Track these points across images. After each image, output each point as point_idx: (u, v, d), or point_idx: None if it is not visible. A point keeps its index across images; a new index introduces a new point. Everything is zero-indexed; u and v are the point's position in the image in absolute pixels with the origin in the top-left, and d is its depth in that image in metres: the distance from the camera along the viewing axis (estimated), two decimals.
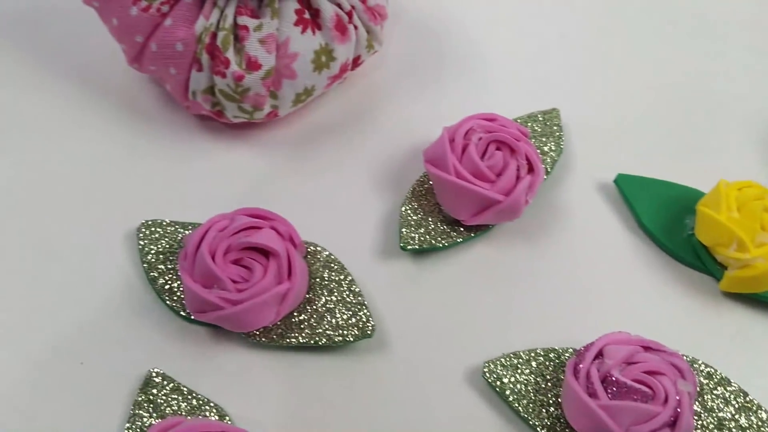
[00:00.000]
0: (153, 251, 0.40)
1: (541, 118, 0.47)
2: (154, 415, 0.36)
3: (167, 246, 0.41)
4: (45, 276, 0.40)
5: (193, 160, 0.45)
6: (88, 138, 0.46)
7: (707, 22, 0.55)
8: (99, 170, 0.45)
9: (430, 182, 0.44)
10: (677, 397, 0.35)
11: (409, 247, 0.41)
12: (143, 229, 0.41)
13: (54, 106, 0.47)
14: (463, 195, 0.41)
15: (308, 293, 0.39)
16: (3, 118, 0.46)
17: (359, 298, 0.39)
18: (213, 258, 0.37)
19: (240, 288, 0.37)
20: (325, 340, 0.38)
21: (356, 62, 0.47)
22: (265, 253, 0.37)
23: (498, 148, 0.42)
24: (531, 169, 0.42)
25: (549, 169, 0.45)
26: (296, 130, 0.47)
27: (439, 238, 0.42)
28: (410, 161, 0.46)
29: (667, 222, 0.44)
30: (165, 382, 0.37)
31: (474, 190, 0.41)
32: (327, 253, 0.41)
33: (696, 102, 0.50)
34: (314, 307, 0.39)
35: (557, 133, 0.47)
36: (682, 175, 0.46)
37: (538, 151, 0.45)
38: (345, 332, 0.38)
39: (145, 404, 0.36)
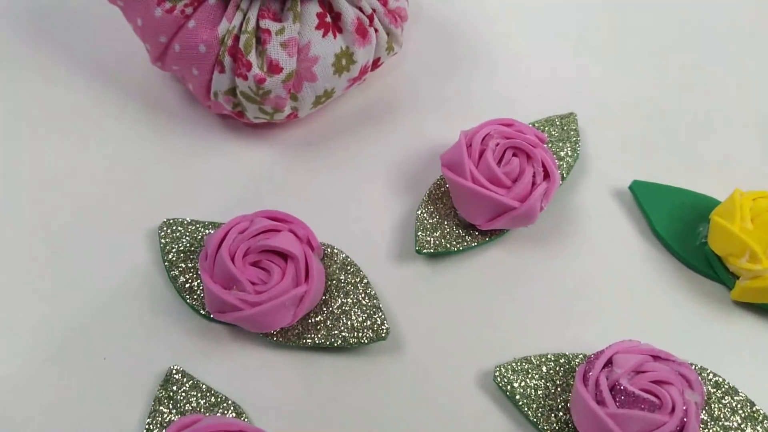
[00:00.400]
0: (174, 250, 0.41)
1: (558, 123, 0.48)
2: (174, 411, 0.37)
3: (188, 245, 0.42)
4: (67, 272, 0.42)
5: (213, 159, 0.46)
6: (108, 134, 0.47)
7: (729, 27, 0.55)
8: (119, 167, 0.45)
9: (447, 185, 0.45)
10: (684, 407, 0.36)
11: (424, 251, 0.42)
12: (164, 228, 0.42)
13: (76, 103, 0.48)
14: (479, 200, 0.42)
15: (324, 295, 0.40)
16: (25, 115, 0.47)
17: (374, 301, 0.40)
18: (233, 260, 0.38)
19: (258, 290, 0.38)
20: (340, 341, 0.39)
21: (376, 64, 0.47)
22: (284, 255, 0.38)
23: (515, 154, 0.43)
24: (547, 176, 0.43)
25: (565, 175, 0.46)
26: (315, 130, 0.48)
27: (454, 242, 0.43)
28: (427, 163, 0.47)
29: (681, 229, 0.45)
30: (185, 379, 0.38)
31: (490, 196, 0.41)
32: (344, 255, 0.41)
33: (715, 109, 0.50)
34: (330, 308, 0.40)
35: (574, 138, 0.47)
36: (697, 182, 0.46)
37: (555, 156, 0.46)
38: (360, 334, 0.39)
39: (165, 400, 0.37)
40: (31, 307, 0.40)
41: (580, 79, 0.51)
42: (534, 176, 0.42)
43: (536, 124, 0.48)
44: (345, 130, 0.48)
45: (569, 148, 0.46)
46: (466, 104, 0.49)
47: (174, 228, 0.42)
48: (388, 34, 0.46)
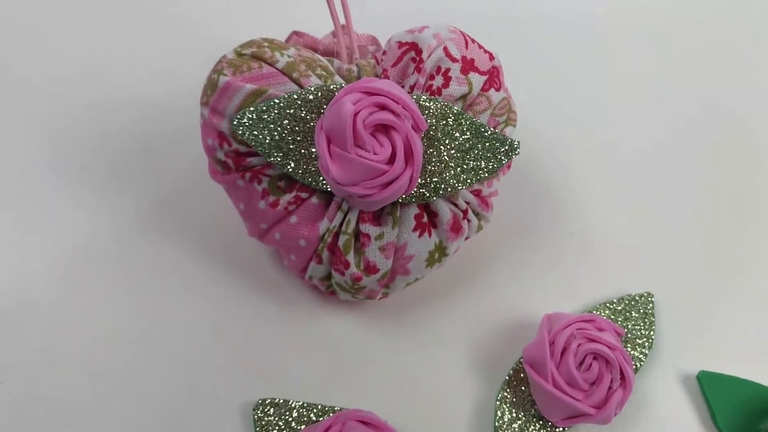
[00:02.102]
0: None
1: (635, 304, 0.49)
2: None
3: (282, 428, 0.44)
4: None
5: (300, 326, 0.48)
6: (198, 298, 0.49)
7: None
8: (208, 335, 0.48)
9: (525, 371, 0.47)
10: None
11: None
12: (258, 409, 0.44)
13: (169, 264, 0.50)
14: (557, 402, 0.44)
15: None
16: (117, 271, 0.49)
17: None
18: None
19: None
20: None
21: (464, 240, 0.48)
22: None
23: (595, 358, 0.45)
24: (623, 379, 0.45)
25: (638, 366, 0.48)
26: (399, 297, 0.49)
27: None
28: (507, 339, 0.48)
29: (741, 424, 0.47)
30: None
31: (569, 402, 0.44)
32: None
33: None
34: None
35: (649, 322, 0.49)
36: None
37: (632, 344, 0.48)
38: None
39: None
40: None
41: (659, 253, 0.52)
42: (611, 382, 0.44)
43: (616, 307, 0.49)
44: (429, 296, 0.50)
45: (645, 337, 0.48)
46: (546, 272, 0.51)
47: (266, 409, 0.45)
48: (478, 217, 0.47)
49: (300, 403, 0.45)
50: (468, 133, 0.43)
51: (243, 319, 0.48)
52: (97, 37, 0.59)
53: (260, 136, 0.41)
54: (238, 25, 0.56)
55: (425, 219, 0.44)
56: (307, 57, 0.43)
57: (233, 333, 0.48)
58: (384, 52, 0.44)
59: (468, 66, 0.43)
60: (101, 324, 0.47)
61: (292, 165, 0.42)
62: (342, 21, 0.47)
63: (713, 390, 0.48)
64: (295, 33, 0.50)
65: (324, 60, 0.44)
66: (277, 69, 0.42)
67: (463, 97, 0.43)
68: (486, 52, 0.44)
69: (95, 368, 0.46)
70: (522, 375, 0.47)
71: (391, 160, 0.40)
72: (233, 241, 0.50)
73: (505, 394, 0.46)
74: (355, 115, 0.39)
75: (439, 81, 0.42)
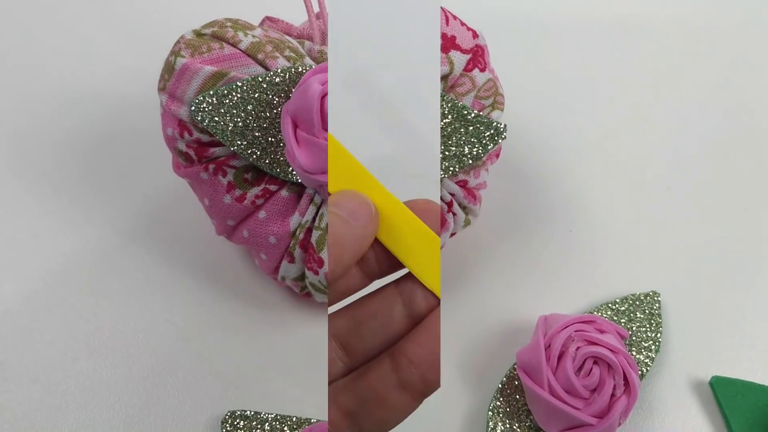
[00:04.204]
0: None
1: (639, 304, 0.45)
2: None
3: None
4: None
5: (273, 331, 0.45)
6: (162, 303, 0.45)
7: None
8: (174, 344, 0.44)
9: (520, 379, 0.43)
10: None
11: None
12: (227, 424, 0.41)
13: (135, 263, 0.46)
14: (555, 411, 0.40)
15: None
16: (74, 278, 0.46)
17: None
18: None
19: None
20: None
21: (450, 236, 0.45)
22: None
23: (595, 362, 0.41)
24: (627, 385, 0.41)
25: (645, 371, 0.44)
26: None
27: None
28: (500, 344, 0.45)
29: None
30: None
31: (567, 411, 0.40)
32: None
33: None
34: None
35: (655, 323, 0.45)
36: None
37: (637, 347, 0.44)
38: None
39: None
40: None
41: (666, 249, 0.49)
42: (614, 388, 0.40)
43: (619, 307, 0.45)
44: None
45: (651, 339, 0.44)
46: (541, 270, 0.47)
47: (236, 422, 0.41)
48: (464, 210, 0.43)
49: (273, 415, 0.41)
50: (449, 117, 0.39)
51: (211, 324, 0.45)
52: (60, 28, 0.56)
53: (222, 123, 0.38)
54: (210, 16, 0.53)
55: None
56: (275, 38, 0.40)
57: (200, 340, 0.44)
58: None
59: (449, 43, 0.39)
60: (57, 333, 0.44)
61: (258, 154, 0.38)
62: (316, 8, 0.44)
63: (728, 397, 0.44)
64: (268, 18, 0.47)
65: (294, 42, 0.41)
66: (239, 50, 0.38)
67: (444, 77, 0.39)
68: (469, 29, 0.40)
69: (50, 380, 0.42)
70: (516, 382, 0.43)
71: None
72: (201, 240, 0.47)
73: (498, 403, 0.42)
74: (323, 96, 0.35)
75: None
